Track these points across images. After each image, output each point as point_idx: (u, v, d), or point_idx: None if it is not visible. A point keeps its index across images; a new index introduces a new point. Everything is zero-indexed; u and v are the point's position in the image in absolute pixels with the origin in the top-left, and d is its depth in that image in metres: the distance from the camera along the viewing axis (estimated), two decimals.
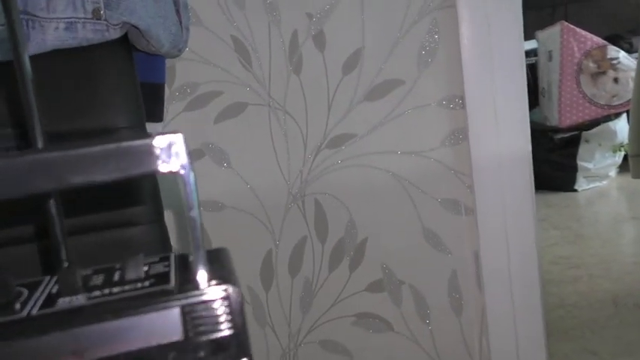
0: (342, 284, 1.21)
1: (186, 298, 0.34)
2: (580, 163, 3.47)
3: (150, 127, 1.02)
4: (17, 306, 0.35)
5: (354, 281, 1.21)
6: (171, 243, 0.88)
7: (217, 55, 1.15)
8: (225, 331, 0.35)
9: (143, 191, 0.85)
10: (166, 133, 0.37)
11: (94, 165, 0.35)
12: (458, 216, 1.17)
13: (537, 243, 1.19)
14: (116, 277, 0.38)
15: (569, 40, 3.52)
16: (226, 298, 0.35)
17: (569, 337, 1.81)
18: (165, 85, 1.12)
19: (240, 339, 0.34)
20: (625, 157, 3.41)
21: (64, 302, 0.35)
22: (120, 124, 0.84)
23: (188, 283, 0.36)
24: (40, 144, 0.41)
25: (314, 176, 1.18)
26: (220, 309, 0.35)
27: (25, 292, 0.37)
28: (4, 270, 0.40)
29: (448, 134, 1.15)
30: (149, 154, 0.35)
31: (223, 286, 0.35)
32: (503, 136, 1.14)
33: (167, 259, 0.41)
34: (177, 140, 0.36)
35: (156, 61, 1.01)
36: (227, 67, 1.15)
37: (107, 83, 0.84)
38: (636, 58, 3.16)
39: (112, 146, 0.35)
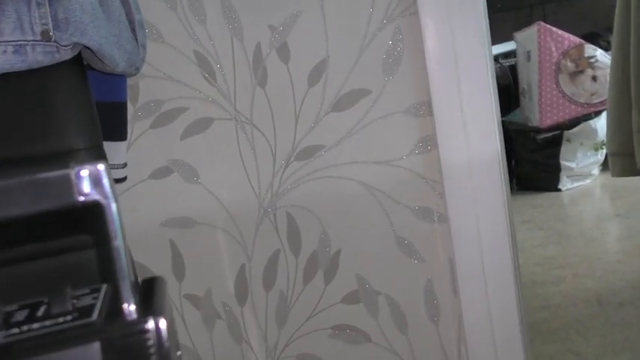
0: (318, 297, 1.20)
1: (108, 331, 0.33)
2: (563, 162, 3.48)
3: (114, 145, 1.00)
4: None
5: (330, 293, 1.20)
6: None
7: (181, 70, 1.14)
8: None
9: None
10: (84, 162, 0.36)
11: (7, 198, 0.33)
12: (431, 223, 1.16)
13: (514, 246, 1.18)
14: (40, 311, 0.37)
15: (547, 40, 3.54)
16: (150, 330, 0.34)
17: (554, 339, 1.81)
18: (129, 103, 1.11)
19: None
20: (607, 155, 3.42)
21: None
22: (76, 145, 0.82)
23: (113, 315, 0.34)
24: None
25: (285, 189, 1.17)
26: (145, 343, 0.34)
27: None
28: None
29: (417, 142, 1.15)
30: (67, 185, 0.34)
31: (149, 318, 0.34)
32: (473, 141, 1.13)
33: (98, 290, 0.40)
34: (96, 167, 0.35)
35: (115, 80, 0.99)
36: (191, 83, 1.14)
37: (60, 105, 0.83)
38: None
39: (26, 178, 0.34)
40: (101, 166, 0.34)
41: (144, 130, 1.16)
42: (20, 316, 0.36)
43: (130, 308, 0.35)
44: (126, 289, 0.35)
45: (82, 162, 0.81)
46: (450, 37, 1.11)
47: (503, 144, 1.18)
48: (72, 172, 0.34)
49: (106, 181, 0.34)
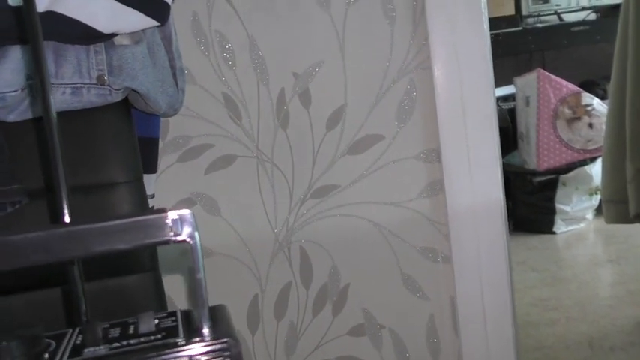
0: (326, 328, 1.27)
1: (194, 349, 0.40)
2: (558, 206, 3.55)
3: (146, 177, 1.08)
4: (46, 356, 0.41)
5: (337, 325, 1.27)
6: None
7: (209, 110, 1.22)
8: None
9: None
10: (175, 209, 0.44)
11: (115, 236, 0.41)
12: (435, 263, 1.24)
13: (511, 287, 1.25)
14: (131, 330, 0.44)
15: (545, 87, 3.65)
16: (228, 349, 0.41)
17: None
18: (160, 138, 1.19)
19: None
20: (601, 201, 3.50)
21: (89, 352, 0.41)
22: (119, 179, 0.90)
23: (194, 336, 0.42)
24: (67, 218, 0.47)
25: (299, 225, 1.24)
26: (222, 359, 0.41)
27: (53, 343, 0.43)
28: (34, 322, 0.45)
29: (426, 185, 1.23)
30: (163, 226, 0.42)
31: (225, 339, 0.41)
32: (477, 187, 1.22)
33: (174, 314, 0.47)
34: (186, 214, 0.43)
35: (152, 118, 1.07)
36: (218, 122, 1.23)
37: (107, 141, 0.91)
38: None
39: (131, 220, 0.41)
40: (189, 213, 0.42)
41: (171, 163, 1.23)
42: (115, 332, 0.44)
43: (207, 330, 0.42)
44: (204, 314, 0.43)
45: (125, 194, 0.89)
46: (459, 91, 1.20)
47: (503, 188, 1.26)
48: (168, 216, 0.41)
49: (193, 224, 0.42)
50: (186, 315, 0.46)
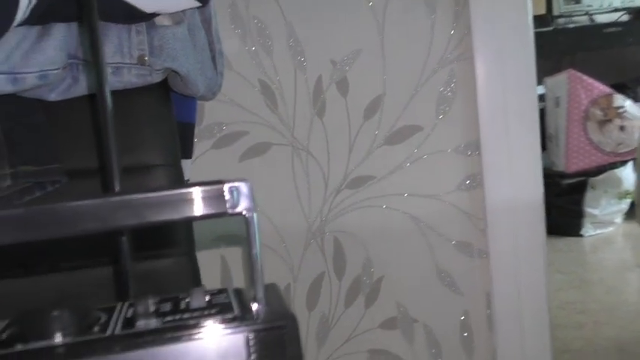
0: (357, 320, 1.25)
1: (250, 325, 0.39)
2: (586, 209, 3.49)
3: (182, 162, 1.07)
4: (97, 328, 0.40)
5: (369, 318, 1.25)
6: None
7: (245, 97, 1.21)
8: (283, 358, 0.39)
9: (176, 227, 0.90)
10: (234, 180, 0.42)
11: (168, 207, 0.40)
12: (471, 258, 1.22)
13: (547, 286, 1.23)
14: (182, 305, 0.43)
15: (577, 88, 3.59)
16: (284, 327, 0.39)
17: None
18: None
19: None
20: (631, 204, 3.45)
21: (141, 325, 0.39)
22: (157, 161, 0.89)
23: (249, 313, 0.40)
24: (117, 187, 0.46)
25: (334, 215, 1.23)
26: (279, 338, 0.39)
27: (104, 316, 0.41)
28: (84, 295, 0.44)
29: (463, 179, 1.21)
30: (220, 198, 0.40)
31: (282, 318, 0.39)
32: (517, 182, 1.19)
33: (225, 291, 0.46)
34: (244, 186, 0.41)
35: (189, 103, 1.06)
36: (254, 109, 1.21)
37: (146, 123, 0.90)
38: None
39: (185, 191, 0.40)
40: (247, 184, 0.40)
41: (205, 149, 1.22)
42: (166, 307, 0.42)
43: (262, 307, 0.41)
44: (259, 290, 0.41)
45: (163, 177, 0.88)
46: (501, 82, 1.18)
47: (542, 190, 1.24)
48: (224, 187, 0.40)
49: (250, 197, 0.40)
50: (238, 293, 0.45)
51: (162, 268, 0.87)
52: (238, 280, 1.25)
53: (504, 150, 1.18)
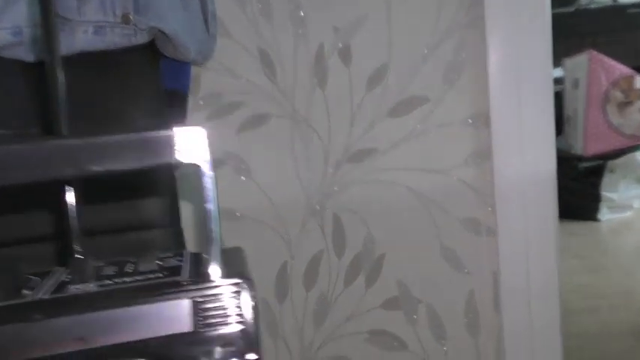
0: (357, 300, 1.20)
1: (198, 290, 0.34)
2: (604, 193, 3.43)
3: None
4: (26, 291, 0.35)
5: (370, 297, 1.20)
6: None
7: (243, 66, 1.16)
8: (234, 325, 0.34)
9: (161, 194, 0.85)
10: (188, 127, 0.37)
11: (114, 153, 0.35)
12: (478, 236, 1.16)
13: (559, 267, 1.17)
14: (129, 268, 0.38)
15: (597, 69, 3.50)
16: (238, 292, 0.34)
17: None
18: (190, 93, 1.13)
19: (249, 335, 0.34)
20: None
21: (74, 289, 0.35)
22: (140, 126, 0.84)
23: (200, 276, 0.35)
24: (64, 130, 0.41)
25: (334, 190, 1.18)
26: (231, 303, 0.34)
27: (38, 280, 0.37)
28: (18, 261, 0.40)
29: (471, 153, 1.15)
30: (169, 145, 0.35)
31: (236, 280, 0.35)
32: (528, 157, 1.13)
33: (181, 254, 0.41)
34: (198, 134, 0.36)
35: (181, 69, 1.01)
36: (252, 79, 1.16)
37: (131, 88, 0.85)
38: None
39: (133, 136, 0.35)
40: (201, 131, 0.35)
41: (201, 121, 1.18)
42: (110, 270, 0.38)
43: (217, 271, 0.36)
44: (215, 253, 0.36)
45: None
46: (515, 52, 1.11)
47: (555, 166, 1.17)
48: (174, 134, 0.35)
49: (204, 145, 0.35)
50: (196, 256, 0.40)
51: (145, 241, 0.82)
52: None
53: (515, 123, 1.12)
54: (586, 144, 3.49)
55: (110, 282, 0.35)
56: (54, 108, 0.42)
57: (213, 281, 0.35)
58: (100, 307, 0.33)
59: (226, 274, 0.36)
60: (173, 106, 1.01)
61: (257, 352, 0.34)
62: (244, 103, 1.17)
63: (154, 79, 0.88)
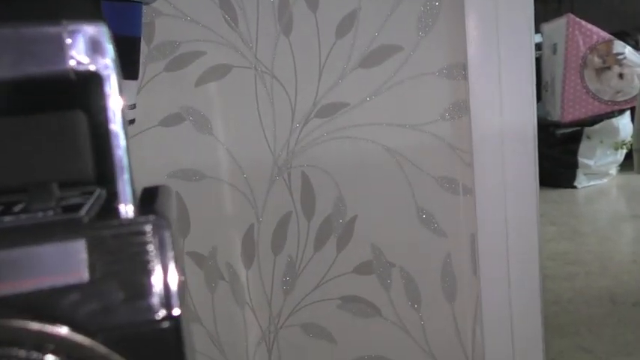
0: (328, 265, 1.13)
1: (96, 229, 0.26)
2: (581, 159, 3.40)
3: (124, 84, 0.93)
4: None
5: (341, 262, 1.13)
6: None
7: (201, 12, 1.06)
8: (144, 274, 0.26)
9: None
10: (84, 21, 0.28)
11: None
12: (455, 195, 1.09)
13: (539, 226, 1.11)
14: (17, 208, 0.30)
15: (575, 34, 3.44)
16: (148, 232, 0.26)
17: (563, 334, 1.74)
18: (143, 41, 1.04)
19: (162, 286, 0.26)
20: (626, 155, 3.35)
21: None
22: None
23: (102, 213, 0.27)
24: None
25: (302, 147, 1.09)
26: (140, 246, 0.26)
27: None
28: None
29: (448, 107, 1.07)
30: (59, 45, 0.27)
31: (146, 217, 0.27)
32: (508, 111, 1.05)
33: (91, 193, 0.33)
34: (99, 31, 0.27)
35: (130, 12, 0.92)
36: (211, 26, 1.07)
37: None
38: None
39: (7, 31, 0.26)
40: (102, 27, 0.27)
41: (157, 72, 1.08)
42: None
43: (127, 208, 0.28)
44: (122, 183, 0.28)
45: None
46: None
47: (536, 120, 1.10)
48: (64, 31, 0.27)
49: (107, 47, 0.27)
50: (110, 196, 0.32)
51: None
52: (196, 220, 1.13)
53: (494, 73, 1.04)
54: (563, 110, 3.45)
55: None
56: None
57: (117, 219, 0.27)
58: None
59: (137, 211, 0.28)
60: (125, 53, 0.91)
61: (170, 308, 0.26)
62: (203, 53, 1.08)
63: (93, 17, 0.79)
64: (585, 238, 2.66)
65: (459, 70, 1.06)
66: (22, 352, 0.22)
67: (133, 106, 1.01)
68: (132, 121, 1.02)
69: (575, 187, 3.41)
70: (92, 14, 0.71)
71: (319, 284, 1.14)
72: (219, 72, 1.08)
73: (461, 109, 1.06)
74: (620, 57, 3.43)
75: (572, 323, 1.82)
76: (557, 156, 3.47)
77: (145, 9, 1.03)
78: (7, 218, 0.27)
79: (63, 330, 0.24)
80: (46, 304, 0.25)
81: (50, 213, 0.28)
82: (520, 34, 1.05)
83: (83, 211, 0.27)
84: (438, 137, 1.07)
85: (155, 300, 0.26)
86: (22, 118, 0.28)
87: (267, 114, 1.09)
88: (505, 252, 1.09)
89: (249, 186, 1.12)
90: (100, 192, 0.32)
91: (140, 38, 0.97)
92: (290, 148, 1.09)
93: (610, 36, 3.39)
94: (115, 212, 0.27)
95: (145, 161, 1.10)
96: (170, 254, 0.27)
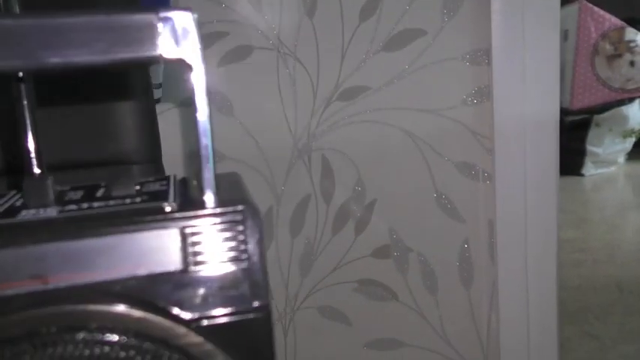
0: (346, 248, 1.13)
1: (189, 218, 0.26)
2: (589, 147, 3.39)
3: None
4: None
5: (359, 245, 1.13)
6: None
7: None
8: (235, 264, 0.26)
9: (140, 125, 0.77)
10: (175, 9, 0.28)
11: (77, 40, 0.26)
12: (474, 181, 1.09)
13: (557, 214, 1.11)
14: (99, 193, 0.30)
15: (587, 20, 3.41)
16: (240, 222, 0.26)
17: (571, 320, 1.75)
18: None
19: (254, 276, 0.26)
20: (635, 144, 3.34)
21: (27, 214, 0.26)
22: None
23: (192, 203, 0.27)
24: (16, 9, 0.32)
25: (323, 130, 1.09)
26: (231, 235, 0.26)
27: None
28: None
29: (470, 92, 1.07)
30: (150, 33, 0.27)
31: (237, 208, 0.26)
32: (531, 98, 1.05)
33: (164, 179, 0.33)
34: (187, 16, 0.27)
35: None
36: (234, 6, 1.06)
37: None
38: None
39: (101, 18, 0.26)
40: (190, 17, 0.27)
41: None
42: (75, 195, 0.29)
43: (210, 196, 0.28)
44: (208, 172, 0.28)
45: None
46: None
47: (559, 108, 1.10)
48: (157, 19, 0.26)
49: (196, 36, 0.27)
50: (183, 182, 0.32)
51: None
52: None
53: (518, 59, 1.04)
54: (573, 97, 3.44)
55: (75, 207, 0.27)
56: None
57: (208, 208, 0.27)
58: (62, 236, 0.24)
59: (225, 201, 0.28)
60: None
61: (263, 298, 0.26)
62: (225, 34, 1.07)
63: None
64: (592, 226, 2.66)
65: (482, 56, 1.05)
66: (123, 339, 0.22)
67: (159, 85, 1.01)
68: (157, 100, 1.01)
69: (582, 175, 3.41)
70: None
71: (337, 267, 1.14)
72: (241, 53, 1.07)
73: (483, 95, 1.06)
74: (632, 44, 3.40)
75: (580, 310, 1.83)
76: (566, 143, 3.45)
77: None
78: (96, 204, 0.27)
79: (157, 318, 0.24)
80: (142, 292, 0.25)
81: (137, 200, 0.28)
82: (546, 20, 1.04)
83: (170, 199, 0.27)
84: (459, 123, 1.07)
85: (248, 290, 0.26)
86: (103, 105, 0.28)
87: (289, 96, 1.08)
88: (523, 239, 1.09)
89: (268, 168, 1.12)
90: (175, 179, 0.32)
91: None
92: (311, 131, 1.09)
93: (622, 23, 3.36)
94: (201, 200, 0.27)
95: (166, 142, 1.10)
96: (262, 243, 0.27)
